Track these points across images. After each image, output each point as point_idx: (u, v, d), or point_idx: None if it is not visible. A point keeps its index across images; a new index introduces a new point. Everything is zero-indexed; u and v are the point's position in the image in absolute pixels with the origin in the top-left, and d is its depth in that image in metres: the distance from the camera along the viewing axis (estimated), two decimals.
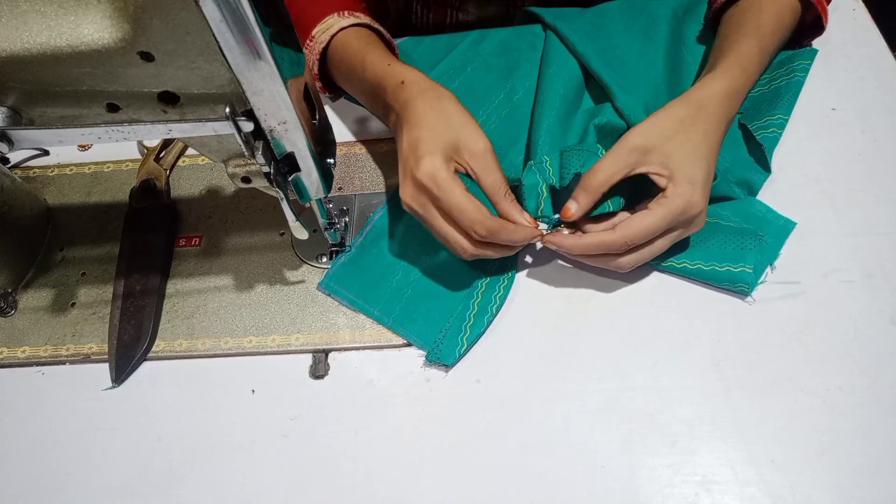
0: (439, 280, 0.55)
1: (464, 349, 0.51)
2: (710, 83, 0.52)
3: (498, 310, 0.52)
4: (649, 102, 0.59)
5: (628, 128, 0.58)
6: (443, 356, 0.51)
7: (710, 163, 0.49)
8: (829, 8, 0.59)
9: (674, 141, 0.49)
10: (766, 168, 0.55)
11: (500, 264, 0.54)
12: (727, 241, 0.52)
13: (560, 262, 0.55)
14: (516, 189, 0.53)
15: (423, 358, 0.52)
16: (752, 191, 0.55)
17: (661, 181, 0.48)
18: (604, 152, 0.52)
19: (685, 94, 0.52)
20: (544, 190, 0.52)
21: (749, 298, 0.51)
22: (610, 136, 0.58)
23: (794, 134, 0.58)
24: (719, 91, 0.51)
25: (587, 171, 0.50)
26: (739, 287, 0.51)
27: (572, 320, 0.52)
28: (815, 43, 0.63)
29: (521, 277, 0.55)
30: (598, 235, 0.48)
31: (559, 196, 0.52)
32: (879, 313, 0.50)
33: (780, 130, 0.57)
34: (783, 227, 0.54)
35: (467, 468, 0.47)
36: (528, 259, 0.56)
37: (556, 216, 0.51)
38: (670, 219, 0.47)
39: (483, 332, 0.52)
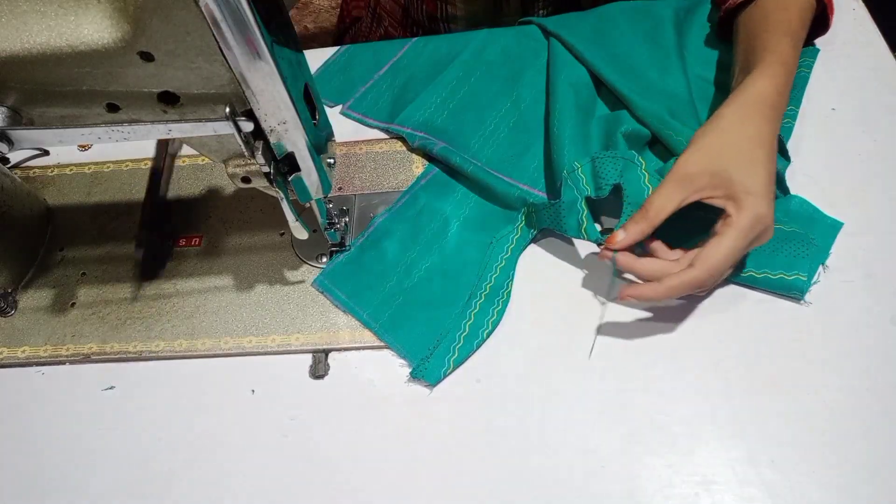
0: (434, 292, 0.54)
1: (449, 370, 0.50)
2: (755, 83, 0.50)
3: (489, 334, 0.52)
4: (673, 108, 0.58)
5: (652, 134, 0.58)
6: (427, 375, 0.50)
7: (768, 167, 0.47)
8: None
9: (722, 156, 0.47)
10: (786, 157, 0.55)
11: (497, 280, 0.54)
12: (778, 248, 0.51)
13: (559, 261, 0.55)
14: (548, 205, 0.53)
15: (408, 370, 0.51)
16: (779, 177, 0.54)
17: (717, 202, 0.47)
18: (640, 159, 0.52)
19: (727, 102, 0.50)
20: (584, 206, 0.51)
21: (803, 302, 0.51)
22: (637, 144, 0.57)
23: (794, 134, 0.58)
24: (765, 89, 0.49)
25: (640, 207, 0.48)
26: (793, 293, 0.51)
27: (572, 320, 0.52)
28: (817, 42, 0.63)
29: (520, 277, 0.54)
30: (679, 277, 0.46)
31: (597, 205, 0.51)
32: (879, 313, 0.50)
33: (792, 121, 0.57)
34: (831, 227, 0.53)
35: (467, 468, 0.47)
36: (528, 258, 0.56)
37: (601, 235, 0.50)
38: (745, 238, 0.45)
39: (470, 355, 0.51)
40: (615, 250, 0.49)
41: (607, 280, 0.53)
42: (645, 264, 0.48)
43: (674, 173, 0.48)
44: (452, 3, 0.72)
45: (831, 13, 0.59)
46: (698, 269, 0.45)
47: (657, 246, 0.50)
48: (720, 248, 0.45)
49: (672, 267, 0.47)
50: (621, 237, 0.48)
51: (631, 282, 0.51)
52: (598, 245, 0.51)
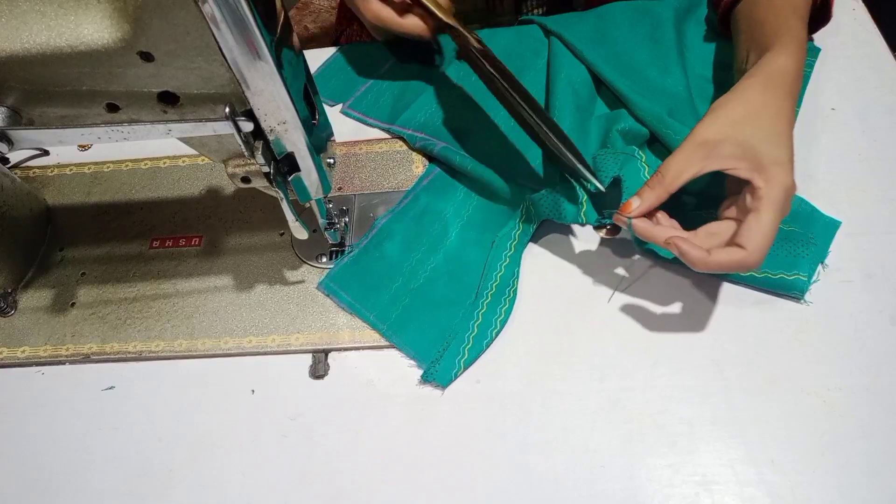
0: (439, 292, 0.54)
1: (460, 371, 0.50)
2: (776, 59, 0.49)
3: (498, 333, 0.52)
4: (673, 108, 0.58)
5: (651, 134, 0.58)
6: (438, 377, 0.50)
7: (791, 139, 0.46)
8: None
9: (745, 126, 0.45)
10: None
11: (502, 279, 0.54)
12: (778, 248, 0.51)
13: (559, 261, 0.55)
14: (547, 194, 0.53)
15: (417, 370, 0.51)
16: None
17: (742, 174, 0.45)
18: (640, 153, 0.51)
19: (748, 75, 0.49)
20: (582, 192, 0.51)
21: (804, 301, 0.51)
22: (635, 143, 0.57)
23: (794, 134, 0.58)
24: (784, 66, 0.49)
25: (657, 169, 0.47)
26: (794, 293, 0.51)
27: (572, 320, 0.52)
28: (818, 42, 0.63)
29: (521, 277, 0.54)
30: (731, 255, 0.43)
31: (597, 199, 0.51)
32: (879, 313, 0.50)
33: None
34: (829, 226, 0.53)
35: (467, 468, 0.47)
36: (528, 258, 0.56)
37: (600, 218, 0.49)
38: (780, 210, 0.43)
39: (480, 355, 0.51)
40: (630, 218, 0.47)
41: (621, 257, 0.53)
42: (665, 232, 0.46)
43: (693, 139, 0.46)
44: None
45: (832, 1, 0.59)
46: (749, 250, 0.43)
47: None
48: (762, 224, 0.43)
49: (692, 236, 0.46)
50: (636, 204, 0.47)
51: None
52: (595, 229, 0.50)
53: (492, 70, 0.54)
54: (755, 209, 0.44)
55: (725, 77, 0.61)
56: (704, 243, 0.45)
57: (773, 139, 0.45)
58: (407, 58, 0.69)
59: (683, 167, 0.46)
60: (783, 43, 0.50)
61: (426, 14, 0.60)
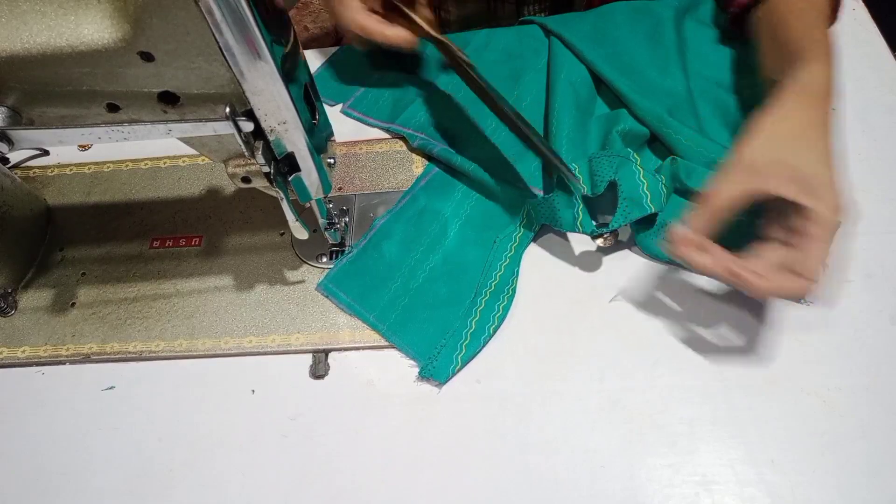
0: (439, 292, 0.54)
1: (458, 367, 0.50)
2: (809, 72, 0.48)
3: (495, 330, 0.52)
4: (673, 107, 0.58)
5: (651, 134, 0.57)
6: (436, 373, 0.50)
7: (834, 157, 0.44)
8: None
9: (788, 144, 0.44)
10: None
11: (502, 278, 0.54)
12: None
13: (559, 261, 0.55)
14: (544, 199, 0.53)
15: (417, 370, 0.51)
16: None
17: (791, 196, 0.43)
18: (635, 156, 0.51)
19: (786, 90, 0.48)
20: (579, 200, 0.51)
21: (803, 301, 0.51)
22: (635, 143, 0.57)
23: None
24: (821, 79, 0.48)
25: (702, 199, 0.45)
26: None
27: (572, 320, 0.52)
28: None
29: (521, 277, 0.55)
30: (784, 282, 0.42)
31: (594, 202, 0.51)
32: (879, 313, 0.50)
33: None
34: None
35: (467, 468, 0.47)
36: (528, 258, 0.56)
37: (595, 225, 0.49)
38: (832, 233, 0.42)
39: (478, 352, 0.51)
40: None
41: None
42: (721, 262, 0.44)
43: (739, 161, 0.45)
44: (445, 9, 0.72)
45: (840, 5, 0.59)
46: (812, 279, 0.42)
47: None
48: (817, 250, 0.42)
49: (749, 264, 0.44)
50: (685, 232, 0.45)
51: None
52: (593, 238, 0.50)
53: (476, 76, 0.54)
54: (811, 235, 0.42)
55: (725, 76, 0.61)
56: (759, 269, 0.43)
57: (821, 159, 0.44)
58: (388, 67, 0.68)
59: (733, 192, 0.44)
60: (815, 53, 0.49)
61: (409, 25, 0.60)
